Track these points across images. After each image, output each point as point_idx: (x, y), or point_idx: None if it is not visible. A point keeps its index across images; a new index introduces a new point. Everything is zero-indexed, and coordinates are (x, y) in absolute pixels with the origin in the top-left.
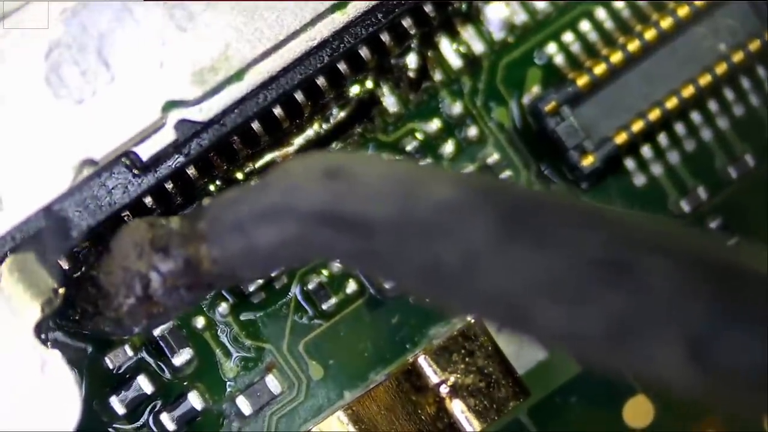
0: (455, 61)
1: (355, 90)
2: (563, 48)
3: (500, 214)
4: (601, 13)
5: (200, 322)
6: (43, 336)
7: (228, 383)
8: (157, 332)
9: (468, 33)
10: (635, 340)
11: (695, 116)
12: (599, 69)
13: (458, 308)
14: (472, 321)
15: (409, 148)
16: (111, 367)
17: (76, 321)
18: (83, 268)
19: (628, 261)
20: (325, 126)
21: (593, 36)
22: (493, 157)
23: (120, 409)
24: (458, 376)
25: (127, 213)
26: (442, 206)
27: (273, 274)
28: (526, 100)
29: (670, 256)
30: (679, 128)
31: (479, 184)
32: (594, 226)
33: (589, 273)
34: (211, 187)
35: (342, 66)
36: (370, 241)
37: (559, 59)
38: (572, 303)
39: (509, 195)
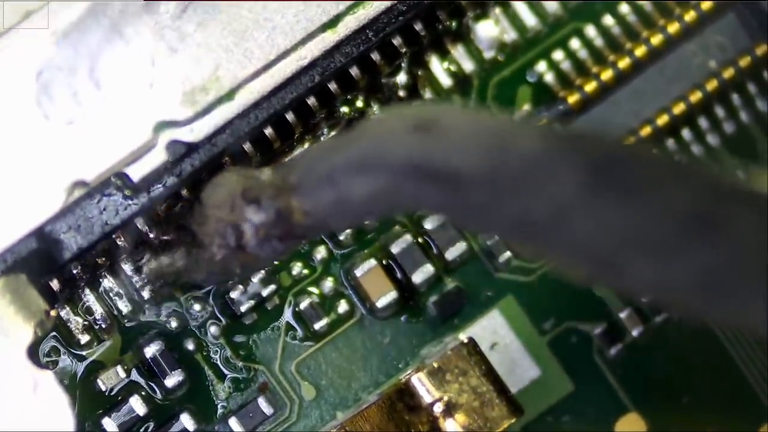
0: (445, 80)
1: (345, 109)
2: (553, 66)
3: (589, 168)
4: (591, 30)
5: (192, 343)
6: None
7: (220, 404)
8: (149, 354)
9: (458, 51)
10: (725, 293)
11: (686, 133)
12: (590, 87)
13: (549, 257)
14: (466, 340)
15: None
16: (103, 388)
17: (173, 271)
18: (179, 219)
19: (717, 215)
20: None
21: (583, 54)
22: None
23: (113, 431)
24: (452, 395)
25: (119, 235)
26: (531, 160)
27: (340, 231)
28: (517, 118)
29: (757, 209)
30: (670, 145)
31: (568, 137)
32: (682, 180)
33: (679, 227)
34: None
35: (332, 85)
36: (460, 195)
37: (549, 77)
38: (662, 257)
39: (597, 148)
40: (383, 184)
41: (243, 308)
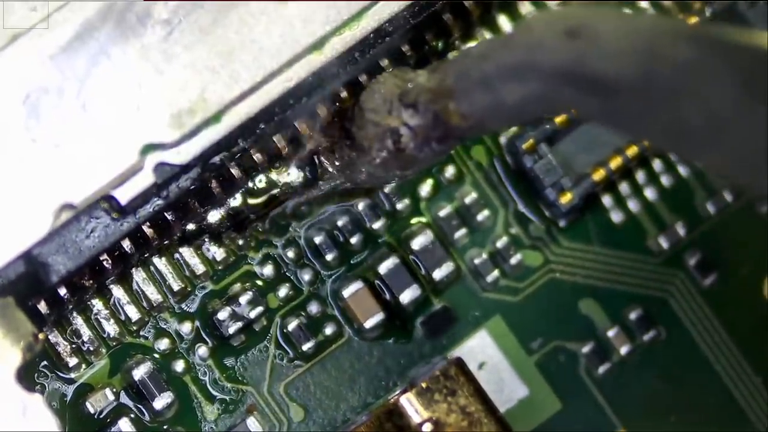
0: None
1: None
2: None
3: (745, 74)
4: None
5: (180, 365)
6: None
7: (209, 426)
8: (137, 376)
9: None
10: None
11: None
12: None
13: (700, 163)
14: (454, 360)
15: (386, 189)
16: (92, 411)
17: (331, 173)
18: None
19: None
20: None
21: None
22: (471, 196)
23: None
24: (440, 415)
25: (106, 257)
26: (686, 67)
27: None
28: (503, 138)
29: None
30: (657, 164)
31: (721, 42)
32: None
33: None
34: (191, 226)
35: (320, 109)
36: (612, 101)
37: None
38: None
39: (752, 53)
40: (536, 90)
41: (231, 330)
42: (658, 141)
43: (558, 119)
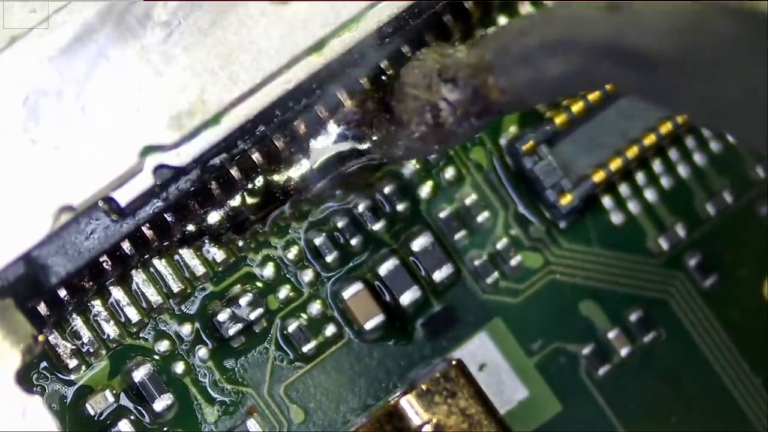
0: None
1: None
2: None
3: None
4: None
5: (180, 367)
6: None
7: (209, 428)
8: (137, 378)
9: None
10: None
11: (672, 153)
12: (576, 107)
13: (737, 138)
14: (454, 362)
15: (386, 190)
16: (92, 413)
17: (368, 149)
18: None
19: None
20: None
21: None
22: (471, 198)
23: None
24: (440, 417)
25: (106, 259)
26: (726, 42)
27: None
28: (503, 140)
29: None
30: (657, 166)
31: (761, 17)
32: None
33: None
34: (191, 227)
35: (320, 109)
36: (652, 75)
37: None
38: None
39: None
40: (577, 64)
41: (231, 331)
42: (694, 114)
43: (558, 120)
